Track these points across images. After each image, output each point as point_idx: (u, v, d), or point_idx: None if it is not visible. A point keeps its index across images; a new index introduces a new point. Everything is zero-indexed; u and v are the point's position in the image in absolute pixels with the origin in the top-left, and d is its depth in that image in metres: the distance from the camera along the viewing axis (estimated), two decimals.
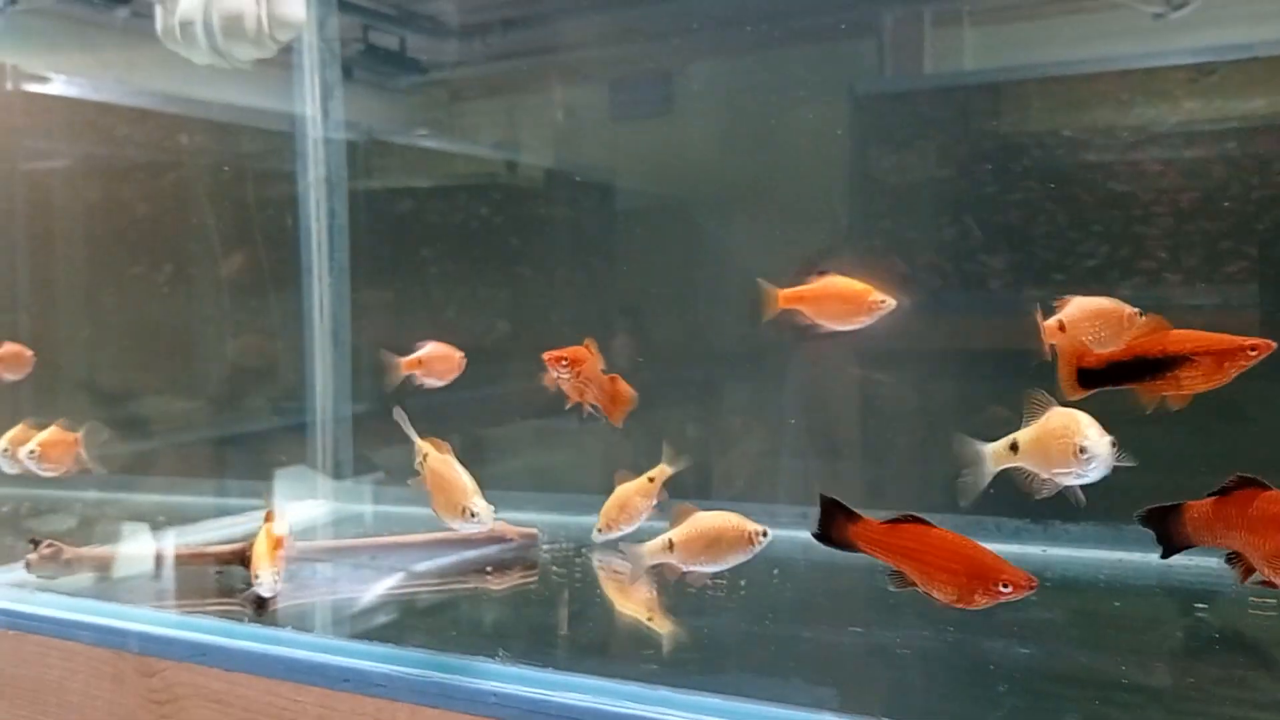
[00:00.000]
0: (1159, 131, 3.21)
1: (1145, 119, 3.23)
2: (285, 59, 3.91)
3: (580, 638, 2.64)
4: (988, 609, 1.72)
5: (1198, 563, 2.58)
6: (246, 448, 4.24)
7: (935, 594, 1.72)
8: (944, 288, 3.46)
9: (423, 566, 3.09)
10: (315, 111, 4.01)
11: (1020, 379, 3.44)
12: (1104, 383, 1.91)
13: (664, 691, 1.96)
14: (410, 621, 2.76)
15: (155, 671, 2.38)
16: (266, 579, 2.53)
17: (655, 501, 2.89)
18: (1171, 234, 3.15)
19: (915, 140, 3.53)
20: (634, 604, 2.77)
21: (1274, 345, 1.81)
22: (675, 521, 2.28)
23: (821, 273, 2.41)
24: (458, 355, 3.08)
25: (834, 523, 1.79)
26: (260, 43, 2.96)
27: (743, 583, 2.74)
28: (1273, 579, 1.67)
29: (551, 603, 2.87)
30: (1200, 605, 2.57)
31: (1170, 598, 2.67)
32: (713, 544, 2.21)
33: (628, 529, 2.86)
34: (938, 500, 3.21)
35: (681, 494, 3.83)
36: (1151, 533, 1.86)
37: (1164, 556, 1.83)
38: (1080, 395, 1.94)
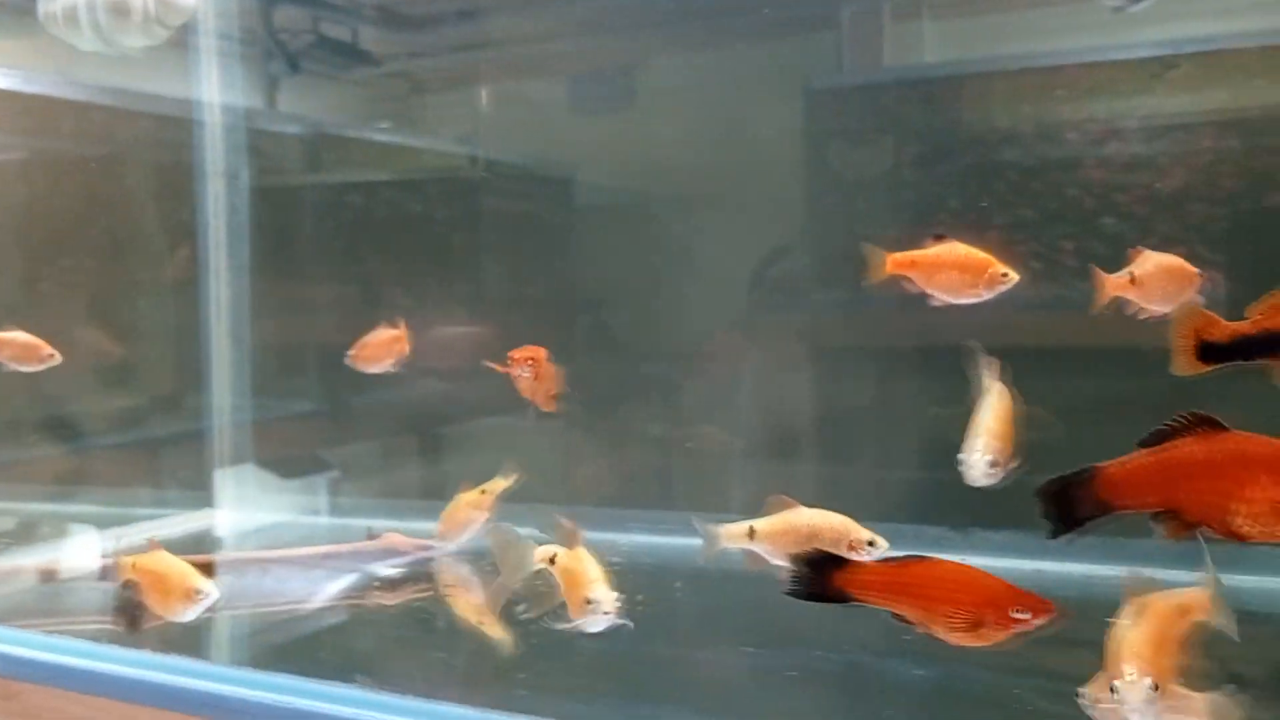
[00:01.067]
0: (1121, 125, 3.19)
1: (1107, 112, 3.22)
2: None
3: (449, 659, 2.59)
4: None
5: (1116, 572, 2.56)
6: (134, 455, 3.99)
7: (942, 633, 1.57)
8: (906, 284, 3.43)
9: (312, 581, 3.00)
10: (215, 101, 3.82)
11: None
12: (1228, 358, 1.67)
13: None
14: (280, 642, 2.69)
15: (14, 694, 2.29)
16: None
17: (488, 514, 2.85)
18: (1136, 227, 3.14)
19: (873, 134, 3.50)
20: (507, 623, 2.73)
21: None
22: (768, 511, 2.13)
23: (939, 237, 2.19)
24: (396, 340, 3.02)
25: (816, 578, 1.62)
26: (148, 29, 2.83)
27: (640, 597, 2.70)
28: (1248, 531, 1.44)
29: (430, 621, 2.82)
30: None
31: (1088, 610, 2.60)
32: (804, 541, 2.02)
33: (460, 540, 2.86)
34: (886, 503, 3.20)
35: (641, 498, 3.83)
36: (1046, 511, 1.57)
37: (1057, 535, 1.55)
38: (1198, 371, 1.71)
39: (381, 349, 3.06)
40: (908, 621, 1.58)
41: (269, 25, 3.85)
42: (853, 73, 3.60)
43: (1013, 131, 3.35)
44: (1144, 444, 1.51)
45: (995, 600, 1.55)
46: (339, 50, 3.96)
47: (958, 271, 2.15)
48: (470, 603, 2.90)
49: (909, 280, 2.20)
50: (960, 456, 1.81)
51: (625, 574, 3.03)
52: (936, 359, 3.43)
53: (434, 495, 4.09)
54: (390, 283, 4.04)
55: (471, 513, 2.86)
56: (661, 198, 3.78)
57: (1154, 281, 2.09)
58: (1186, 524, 1.49)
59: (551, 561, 2.01)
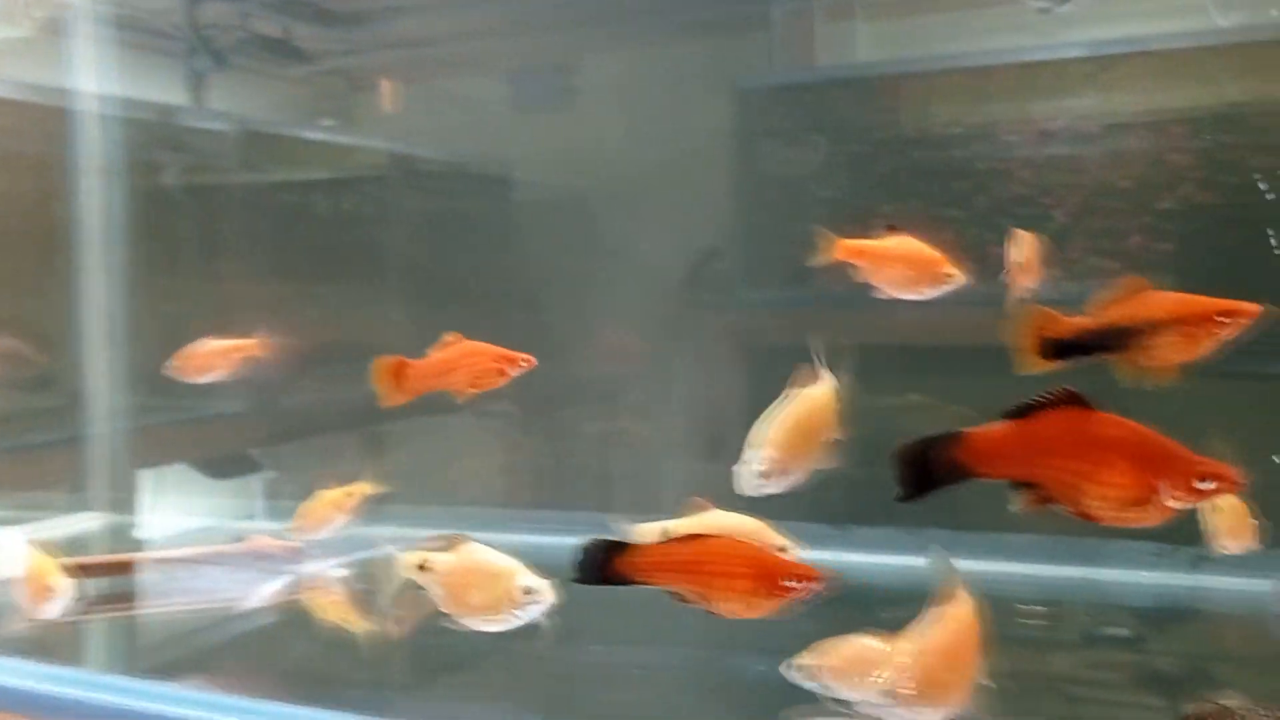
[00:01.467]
0: (1052, 125, 3.23)
1: (1038, 112, 3.25)
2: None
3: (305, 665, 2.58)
4: (768, 623, 1.60)
5: (1000, 570, 2.62)
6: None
7: (719, 606, 1.60)
8: (835, 281, 3.44)
9: (175, 584, 2.97)
10: (91, 92, 3.63)
11: (911, 376, 3.49)
12: (1072, 354, 1.67)
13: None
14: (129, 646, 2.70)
15: None
16: None
17: (348, 516, 2.87)
18: (1066, 225, 3.17)
19: (804, 133, 3.51)
20: (369, 624, 2.71)
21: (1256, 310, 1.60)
22: (686, 513, 2.04)
23: (891, 228, 2.14)
24: (234, 350, 2.94)
25: (598, 563, 1.62)
26: (11, 18, 2.74)
27: None
28: (1097, 513, 1.43)
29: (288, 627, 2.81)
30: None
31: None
32: None
33: (317, 536, 2.86)
34: (772, 501, 3.22)
35: (577, 495, 3.83)
36: (902, 471, 1.52)
37: (909, 499, 1.52)
38: (1041, 369, 1.69)
39: (209, 359, 2.97)
40: (685, 599, 1.60)
41: (193, 21, 3.79)
42: (784, 72, 3.62)
43: (944, 131, 3.38)
44: (1009, 415, 1.48)
45: (768, 571, 1.57)
46: (270, 47, 3.91)
47: (904, 266, 2.12)
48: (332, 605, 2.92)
49: (854, 269, 2.17)
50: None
51: None
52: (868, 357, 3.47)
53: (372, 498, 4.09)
54: (320, 281, 4.01)
55: (331, 512, 2.86)
56: (598, 195, 3.78)
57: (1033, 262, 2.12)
58: (1043, 498, 1.48)
59: (422, 568, 1.89)
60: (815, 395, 1.94)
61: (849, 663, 1.82)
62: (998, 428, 1.49)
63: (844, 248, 2.16)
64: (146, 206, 3.66)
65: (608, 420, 3.80)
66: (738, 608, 1.58)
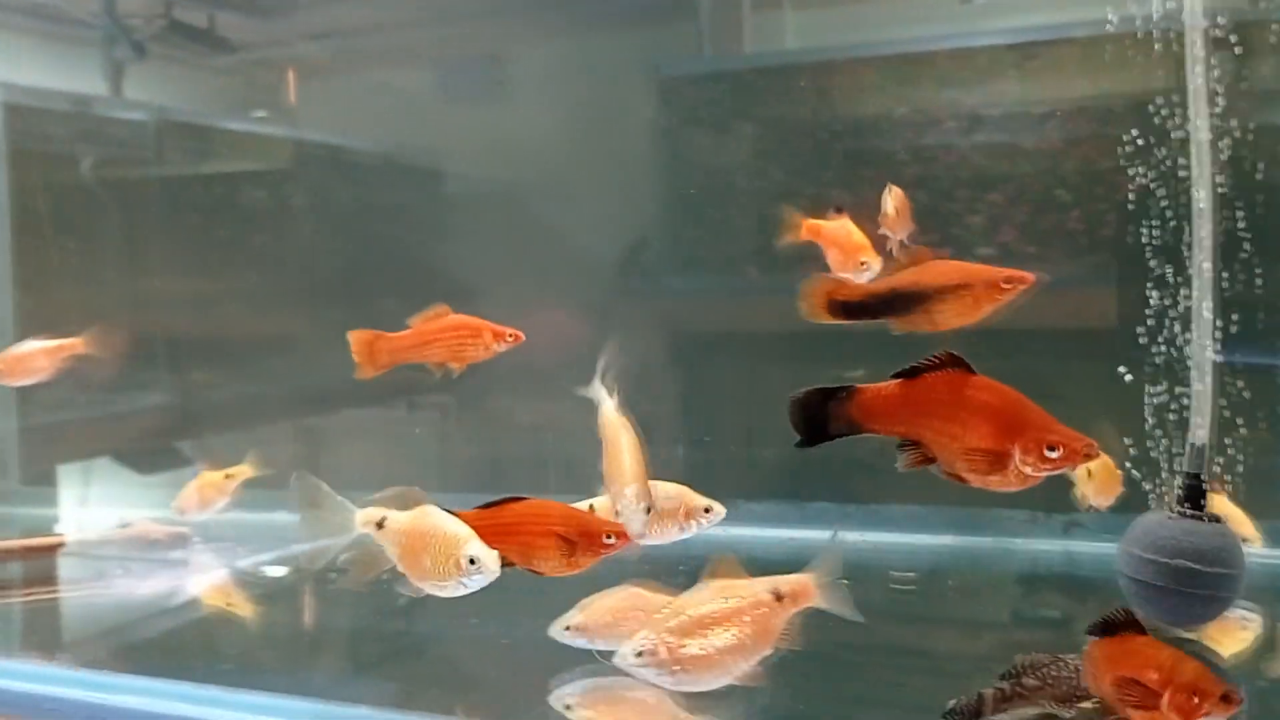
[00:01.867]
0: (980, 113, 3.27)
1: (966, 99, 3.30)
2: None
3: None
4: None
5: (873, 540, 2.70)
6: None
7: (541, 567, 1.67)
8: (762, 269, 3.48)
9: (61, 570, 2.97)
10: None
11: (857, 362, 3.53)
12: (859, 316, 1.87)
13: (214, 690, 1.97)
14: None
15: None
16: None
17: (228, 498, 2.94)
18: (993, 213, 3.22)
19: (732, 120, 3.54)
20: (222, 600, 2.77)
21: (1031, 278, 1.76)
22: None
23: (839, 210, 2.29)
24: (53, 351, 2.86)
25: None
26: None
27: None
28: (964, 474, 1.51)
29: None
30: (845, 580, 2.59)
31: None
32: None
33: (198, 516, 2.95)
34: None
35: (516, 482, 3.83)
36: (797, 415, 1.60)
37: (805, 445, 1.59)
38: (831, 321, 1.91)
39: (31, 360, 2.89)
40: (510, 562, 1.67)
41: (112, 9, 3.73)
42: (708, 60, 3.64)
43: (871, 118, 3.42)
44: (898, 375, 1.57)
45: (587, 530, 1.66)
46: (194, 36, 3.86)
47: (836, 249, 2.24)
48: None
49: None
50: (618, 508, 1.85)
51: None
52: (798, 345, 3.51)
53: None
54: (244, 275, 3.97)
55: (212, 494, 2.88)
56: (527, 185, 3.78)
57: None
58: (925, 458, 1.56)
59: (380, 525, 1.87)
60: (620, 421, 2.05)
61: (613, 621, 1.93)
62: (885, 386, 1.57)
63: (807, 226, 2.29)
64: (60, 198, 3.61)
65: (540, 408, 3.80)
66: (559, 566, 1.67)
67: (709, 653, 1.65)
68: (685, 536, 2.09)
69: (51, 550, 2.98)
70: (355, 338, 2.20)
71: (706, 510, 2.08)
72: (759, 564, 2.50)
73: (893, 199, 2.28)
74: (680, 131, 3.58)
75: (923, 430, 1.54)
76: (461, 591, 1.75)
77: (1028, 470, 1.49)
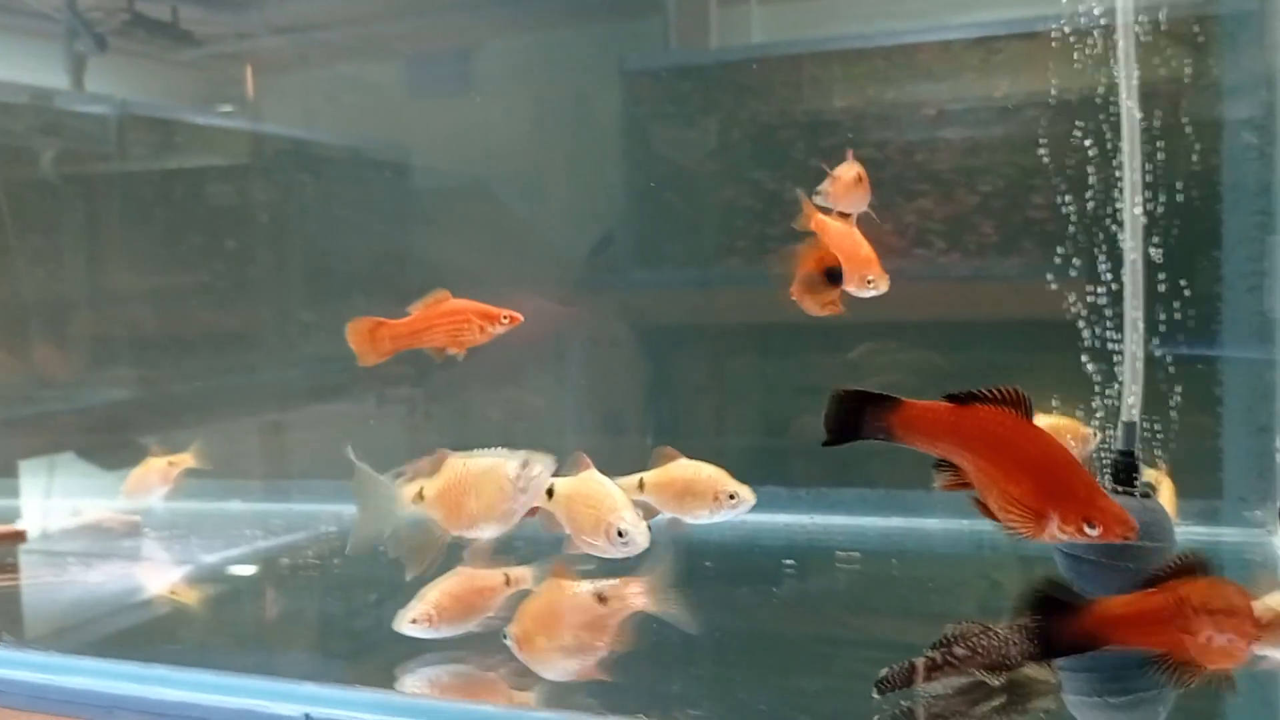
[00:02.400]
0: (944, 106, 3.30)
1: (933, 93, 3.32)
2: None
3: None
4: None
5: (822, 523, 2.81)
6: None
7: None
8: (732, 262, 3.50)
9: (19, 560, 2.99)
10: None
11: (815, 353, 3.56)
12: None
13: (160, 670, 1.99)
14: None
15: None
16: None
17: (170, 486, 3.02)
18: (958, 208, 3.25)
19: (698, 116, 3.55)
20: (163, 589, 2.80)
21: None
22: (655, 463, 2.22)
23: (826, 211, 2.31)
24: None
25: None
26: None
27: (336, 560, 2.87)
28: (995, 514, 1.52)
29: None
30: (789, 561, 2.66)
31: (765, 555, 2.76)
32: (682, 493, 2.15)
33: (143, 501, 3.04)
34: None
35: None
36: (833, 412, 1.61)
37: (832, 444, 1.60)
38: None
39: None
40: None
41: (73, 3, 3.70)
42: (674, 54, 3.65)
43: (841, 112, 3.44)
44: (950, 398, 1.56)
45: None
46: (157, 30, 3.83)
47: (842, 257, 2.24)
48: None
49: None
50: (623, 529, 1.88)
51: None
52: (765, 337, 3.53)
53: (274, 486, 4.05)
54: (210, 270, 3.95)
55: (155, 479, 2.91)
56: (495, 180, 3.78)
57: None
58: (960, 483, 1.56)
59: (420, 497, 1.91)
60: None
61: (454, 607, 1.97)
62: (935, 407, 1.56)
63: (815, 221, 2.29)
64: (21, 193, 3.59)
65: (510, 400, 3.81)
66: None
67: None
68: (715, 519, 2.16)
69: (11, 540, 2.98)
70: (355, 326, 2.23)
71: (732, 496, 2.14)
72: (698, 548, 2.58)
73: (849, 170, 2.28)
74: (646, 125, 3.59)
75: (963, 460, 1.54)
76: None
77: (1060, 536, 1.50)
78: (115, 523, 3.06)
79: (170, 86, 4.22)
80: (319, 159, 4.09)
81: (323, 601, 2.80)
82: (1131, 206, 2.32)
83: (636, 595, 1.79)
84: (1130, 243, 2.30)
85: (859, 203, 2.27)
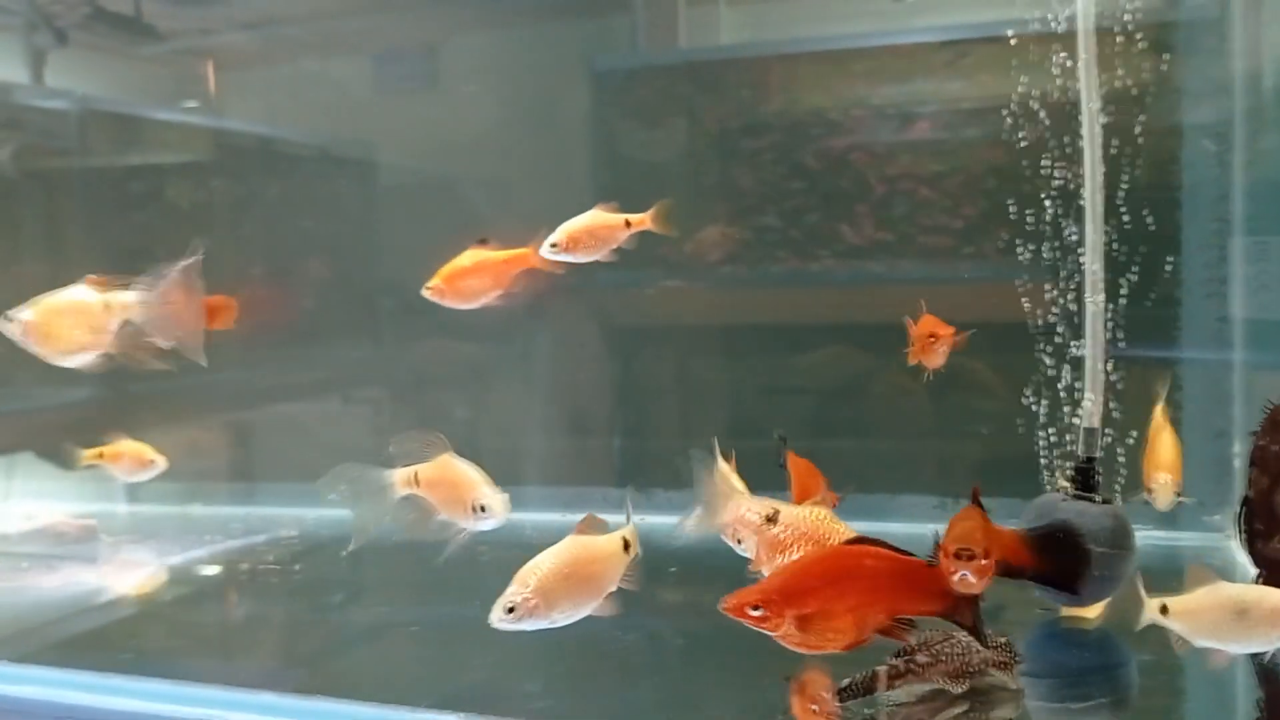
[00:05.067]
0: (913, 109, 3.31)
1: (898, 96, 3.33)
2: None
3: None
4: None
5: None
6: None
7: None
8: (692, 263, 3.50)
9: None
10: None
11: (778, 353, 3.57)
12: None
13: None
14: None
15: None
16: None
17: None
18: (923, 209, 3.26)
19: (665, 116, 3.55)
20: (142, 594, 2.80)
21: None
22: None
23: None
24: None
25: None
26: None
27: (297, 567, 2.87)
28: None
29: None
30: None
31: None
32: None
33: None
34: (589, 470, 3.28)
35: None
36: None
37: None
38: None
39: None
40: None
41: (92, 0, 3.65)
42: (642, 54, 3.65)
43: (804, 113, 3.44)
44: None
45: None
46: (119, 24, 3.78)
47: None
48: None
49: None
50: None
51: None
52: (733, 336, 3.54)
53: (240, 486, 4.02)
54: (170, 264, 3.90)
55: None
56: (461, 177, 3.76)
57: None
58: None
59: (416, 482, 1.94)
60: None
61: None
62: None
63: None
64: (24, 186, 3.56)
65: (474, 400, 3.80)
66: None
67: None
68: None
69: None
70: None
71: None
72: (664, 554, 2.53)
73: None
74: (613, 125, 3.58)
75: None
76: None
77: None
78: (70, 527, 3.02)
79: (133, 82, 4.17)
80: (283, 155, 4.06)
81: (285, 605, 2.78)
82: (1093, 218, 2.34)
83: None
84: (1090, 252, 2.32)
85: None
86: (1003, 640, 1.84)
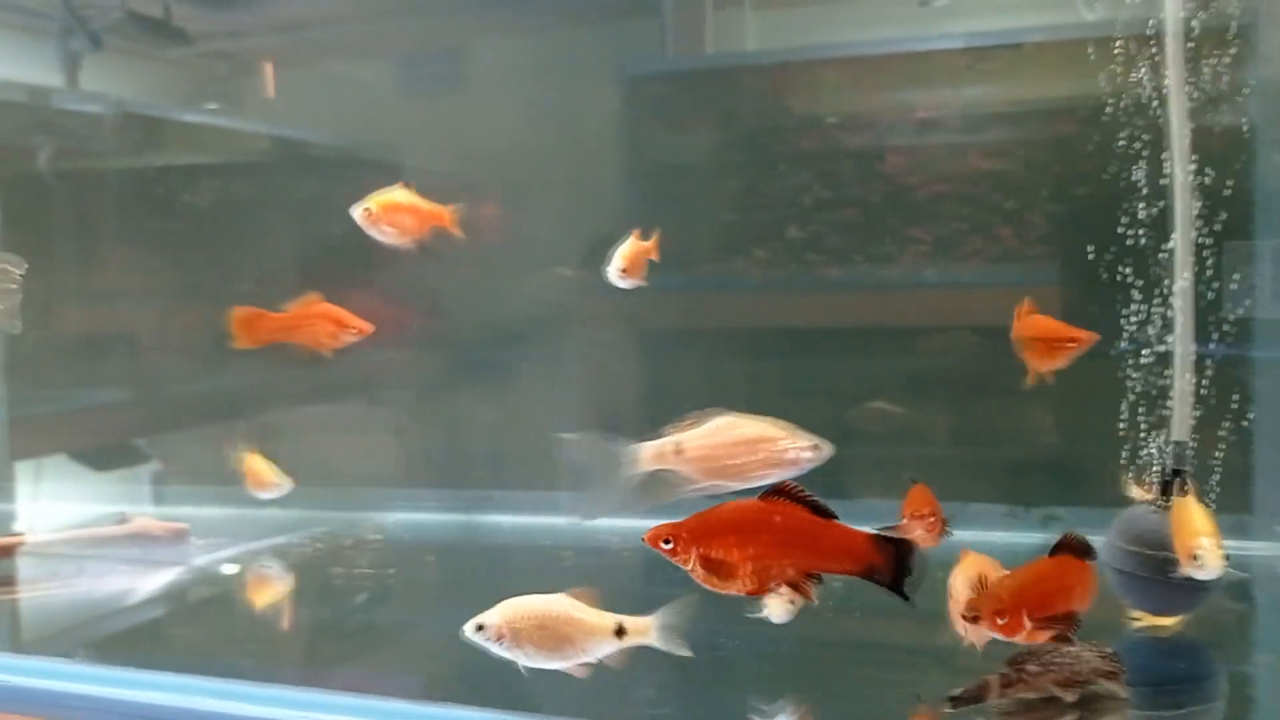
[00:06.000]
0: (936, 115, 3.32)
1: (921, 101, 3.34)
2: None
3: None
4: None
5: None
6: None
7: None
8: (727, 267, 3.51)
9: (63, 566, 2.95)
10: None
11: (804, 357, 3.57)
12: None
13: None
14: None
15: None
16: None
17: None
18: (949, 214, 3.27)
19: (693, 121, 3.56)
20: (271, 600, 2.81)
21: None
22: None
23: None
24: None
25: None
26: None
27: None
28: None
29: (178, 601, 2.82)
30: None
31: None
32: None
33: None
34: None
35: (472, 479, 3.83)
36: None
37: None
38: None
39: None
40: None
41: (123, 4, 3.66)
42: (674, 59, 3.66)
43: (832, 120, 3.45)
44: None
45: None
46: (150, 27, 3.80)
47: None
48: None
49: None
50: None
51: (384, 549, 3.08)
52: (761, 341, 3.54)
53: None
54: (202, 269, 3.93)
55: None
56: (489, 181, 3.77)
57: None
58: None
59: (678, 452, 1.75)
60: None
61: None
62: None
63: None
64: (16, 192, 3.55)
65: (501, 402, 3.81)
66: None
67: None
68: None
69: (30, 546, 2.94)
70: (238, 314, 2.44)
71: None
72: None
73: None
74: (645, 129, 3.59)
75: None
76: None
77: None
78: (161, 530, 3.01)
79: (161, 84, 4.18)
80: (312, 158, 4.08)
81: (397, 610, 2.80)
82: (1186, 228, 2.30)
83: (649, 633, 1.75)
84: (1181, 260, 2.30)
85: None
86: (1109, 650, 1.85)
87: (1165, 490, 2.24)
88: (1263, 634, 2.43)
